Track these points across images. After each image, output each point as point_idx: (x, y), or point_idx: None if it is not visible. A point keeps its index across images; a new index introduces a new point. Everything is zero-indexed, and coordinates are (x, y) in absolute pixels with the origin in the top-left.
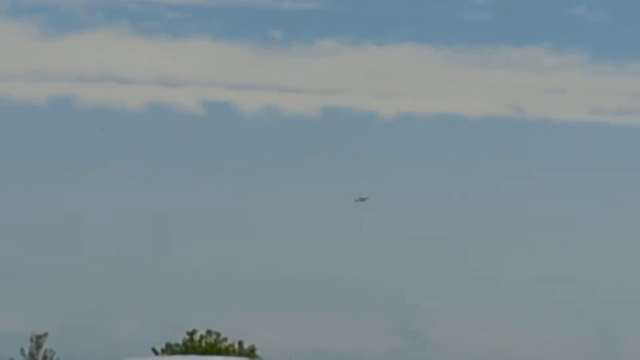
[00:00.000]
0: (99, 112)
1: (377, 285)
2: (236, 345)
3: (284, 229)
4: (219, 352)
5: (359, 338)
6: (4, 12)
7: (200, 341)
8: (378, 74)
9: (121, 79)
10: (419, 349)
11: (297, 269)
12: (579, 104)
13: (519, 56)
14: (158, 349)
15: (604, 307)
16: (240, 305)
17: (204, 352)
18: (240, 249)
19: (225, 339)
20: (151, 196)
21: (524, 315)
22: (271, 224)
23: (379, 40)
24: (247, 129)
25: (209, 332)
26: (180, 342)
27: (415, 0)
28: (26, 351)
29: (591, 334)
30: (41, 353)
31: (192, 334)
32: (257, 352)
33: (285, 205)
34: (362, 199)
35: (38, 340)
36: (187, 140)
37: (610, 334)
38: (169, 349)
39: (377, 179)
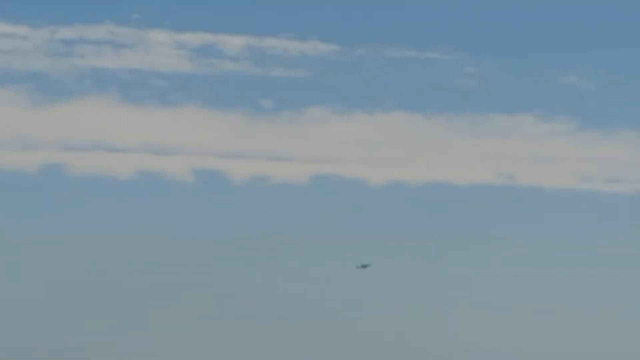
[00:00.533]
0: (89, 180)
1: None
2: None
3: (283, 299)
4: None
5: None
6: None
7: None
8: (368, 142)
9: (111, 147)
10: None
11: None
12: (569, 172)
13: (509, 124)
14: None
15: None
16: None
17: None
18: (234, 323)
19: None
20: (142, 265)
21: None
22: (268, 293)
23: (369, 109)
24: (238, 197)
25: None
26: None
27: (404, 69)
28: None
29: None
30: None
31: None
32: None
33: (282, 274)
34: (364, 266)
35: None
36: (178, 208)
37: None
38: None
39: (368, 246)
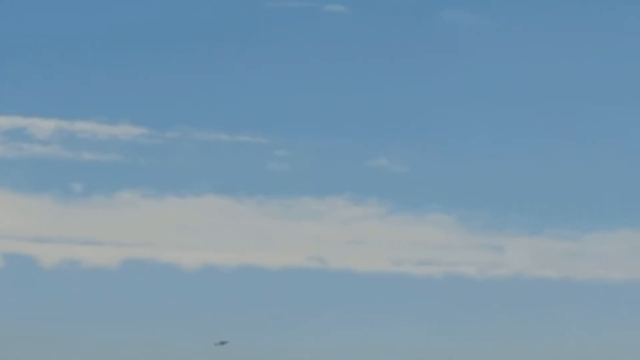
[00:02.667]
0: None
1: None
2: None
3: None
4: None
5: None
6: None
7: None
8: (180, 226)
9: None
10: None
11: None
12: (380, 255)
13: (320, 207)
14: None
15: None
16: None
17: None
18: None
19: None
20: None
21: None
22: None
23: (180, 192)
24: (48, 281)
25: None
26: None
27: (215, 152)
28: None
29: None
30: None
31: None
32: None
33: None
34: (222, 342)
35: None
36: None
37: None
38: None
39: (181, 330)
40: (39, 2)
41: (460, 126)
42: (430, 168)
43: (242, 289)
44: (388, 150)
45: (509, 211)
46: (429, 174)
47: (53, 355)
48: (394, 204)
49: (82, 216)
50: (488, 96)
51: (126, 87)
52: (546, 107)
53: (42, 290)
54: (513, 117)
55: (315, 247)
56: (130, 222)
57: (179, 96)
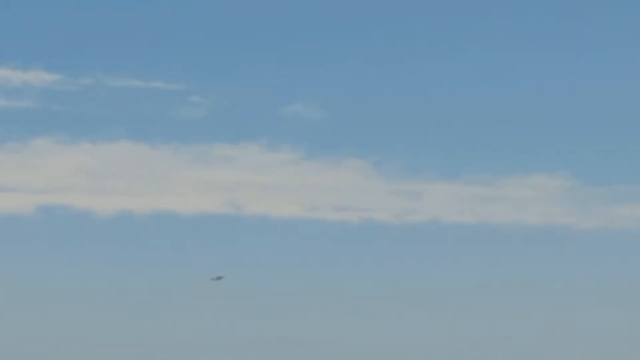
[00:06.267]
0: None
1: None
2: None
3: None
4: None
5: None
6: None
7: None
8: (94, 173)
9: None
10: None
11: None
12: (295, 201)
13: (234, 154)
14: None
15: None
16: None
17: None
18: None
19: None
20: None
21: None
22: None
23: (94, 139)
24: None
25: None
26: None
27: (129, 99)
28: None
29: None
30: None
31: None
32: None
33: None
34: (219, 278)
35: None
36: None
37: None
38: None
39: (98, 276)
40: None
41: (373, 72)
42: (345, 114)
43: (156, 235)
44: (302, 95)
45: (424, 157)
46: (344, 119)
47: None
48: (308, 150)
49: None
50: (400, 42)
51: (39, 33)
52: (468, 53)
53: None
54: (424, 64)
55: (230, 193)
56: (44, 168)
57: (93, 42)
